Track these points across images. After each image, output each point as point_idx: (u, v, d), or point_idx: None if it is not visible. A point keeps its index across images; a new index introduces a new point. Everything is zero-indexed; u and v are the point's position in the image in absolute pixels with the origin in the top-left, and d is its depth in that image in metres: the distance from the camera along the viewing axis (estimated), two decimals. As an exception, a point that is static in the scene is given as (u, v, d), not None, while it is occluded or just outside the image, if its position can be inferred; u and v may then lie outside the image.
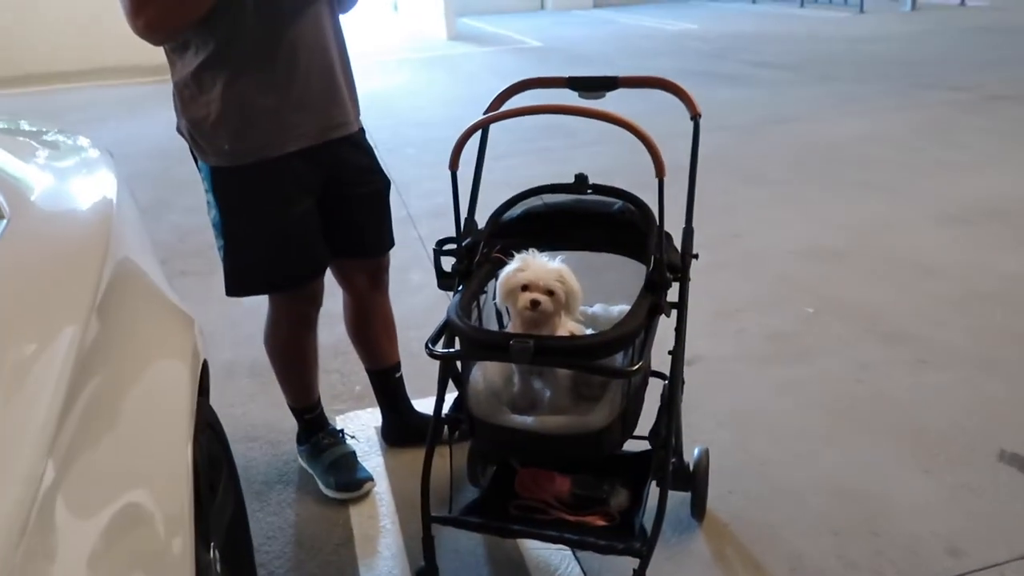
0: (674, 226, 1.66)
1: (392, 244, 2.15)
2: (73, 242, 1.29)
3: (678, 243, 1.69)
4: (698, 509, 1.95)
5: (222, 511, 1.53)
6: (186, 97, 1.79)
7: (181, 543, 1.07)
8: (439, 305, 1.62)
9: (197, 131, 1.80)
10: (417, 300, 3.20)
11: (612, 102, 1.54)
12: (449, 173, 1.60)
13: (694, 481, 1.91)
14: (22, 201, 1.28)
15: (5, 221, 1.14)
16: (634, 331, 1.51)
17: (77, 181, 1.61)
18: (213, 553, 1.34)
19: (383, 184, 2.07)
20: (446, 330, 1.60)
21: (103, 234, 1.35)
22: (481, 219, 1.78)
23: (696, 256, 1.68)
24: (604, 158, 4.59)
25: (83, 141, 1.97)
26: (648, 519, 1.62)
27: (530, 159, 5.10)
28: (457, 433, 1.74)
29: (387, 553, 1.96)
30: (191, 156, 1.89)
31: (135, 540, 0.97)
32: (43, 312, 1.05)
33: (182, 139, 1.88)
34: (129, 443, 1.05)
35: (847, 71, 7.59)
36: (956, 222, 3.76)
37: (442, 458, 1.72)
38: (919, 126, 5.49)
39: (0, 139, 1.52)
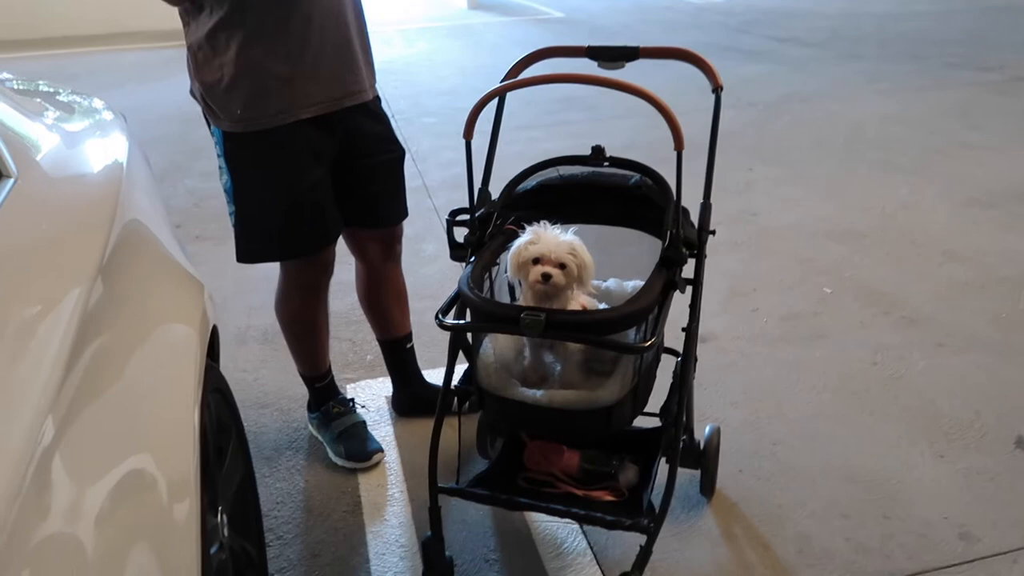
0: (692, 201, 1.63)
1: (406, 214, 2.13)
2: (81, 203, 1.29)
3: (695, 218, 1.66)
4: (707, 487, 1.94)
5: (231, 476, 1.54)
6: (200, 59, 1.77)
7: (187, 506, 1.07)
8: (453, 276, 1.61)
9: (210, 95, 1.79)
10: (431, 270, 3.19)
11: (632, 74, 1.50)
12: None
13: (704, 459, 1.90)
14: (31, 161, 1.27)
15: (13, 180, 1.13)
16: (647, 307, 1.48)
17: (88, 143, 1.60)
18: (221, 517, 1.35)
19: (398, 153, 2.04)
20: (457, 301, 1.59)
21: (112, 196, 1.34)
22: (497, 190, 1.76)
23: (713, 232, 1.65)
24: (625, 132, 4.54)
25: (97, 103, 1.96)
26: (657, 496, 1.61)
27: (550, 132, 5.05)
28: (467, 405, 1.73)
29: (395, 521, 1.97)
30: (204, 120, 1.87)
31: (139, 501, 0.97)
32: (48, 272, 1.05)
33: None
34: (134, 405, 1.04)
35: (874, 49, 7.44)
36: (980, 205, 3.69)
37: (452, 429, 1.72)
38: (945, 106, 5.38)
39: (13, 99, 1.51)
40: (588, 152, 1.66)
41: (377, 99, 1.99)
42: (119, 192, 1.37)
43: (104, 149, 1.61)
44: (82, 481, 0.86)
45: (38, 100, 1.78)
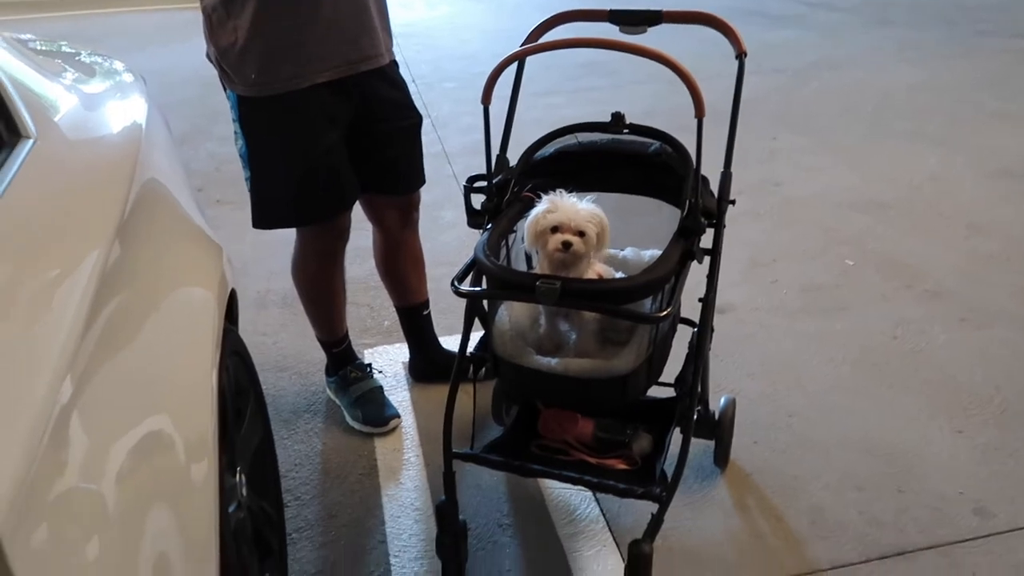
0: (713, 170, 1.61)
1: (423, 181, 2.12)
2: (99, 164, 1.29)
3: (716, 187, 1.64)
4: (721, 458, 1.95)
5: (249, 438, 1.56)
6: (214, 22, 1.75)
7: (205, 466, 1.09)
8: (471, 243, 1.60)
9: (224, 59, 1.78)
10: (449, 237, 3.19)
11: (655, 39, 1.47)
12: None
13: (718, 430, 1.90)
14: (50, 122, 1.27)
15: (32, 141, 1.14)
16: (664, 276, 1.47)
17: (108, 104, 1.60)
18: (239, 477, 1.37)
19: (415, 120, 2.03)
20: (473, 268, 1.58)
21: (130, 158, 1.34)
22: (515, 156, 1.74)
23: (733, 202, 1.63)
24: (646, 98, 4.47)
25: (118, 65, 1.96)
26: (670, 465, 1.61)
27: (571, 98, 5.00)
28: (482, 372, 1.73)
29: (410, 485, 1.99)
30: (221, 84, 1.87)
31: (158, 461, 0.99)
32: (66, 233, 1.06)
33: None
34: (152, 367, 1.06)
35: (906, 15, 7.25)
36: (1009, 177, 3.61)
37: (467, 395, 1.72)
38: (977, 75, 5.24)
39: (34, 60, 1.51)
40: (608, 119, 1.64)
41: (394, 64, 1.97)
42: (138, 154, 1.38)
43: (123, 111, 1.61)
44: (100, 440, 0.87)
45: (58, 61, 1.78)
